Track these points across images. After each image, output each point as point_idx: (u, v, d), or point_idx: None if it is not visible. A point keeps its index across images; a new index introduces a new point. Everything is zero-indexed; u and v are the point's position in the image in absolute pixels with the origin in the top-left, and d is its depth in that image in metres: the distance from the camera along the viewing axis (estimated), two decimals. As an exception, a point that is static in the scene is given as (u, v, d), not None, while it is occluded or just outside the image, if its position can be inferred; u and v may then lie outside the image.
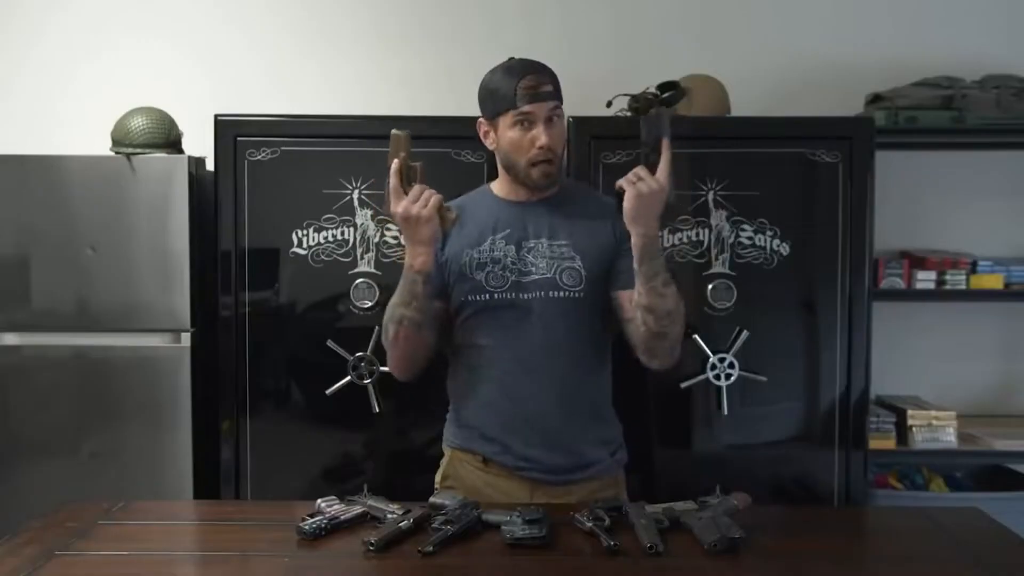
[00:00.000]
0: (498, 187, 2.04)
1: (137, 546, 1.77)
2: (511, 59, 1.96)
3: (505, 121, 1.91)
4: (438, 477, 2.09)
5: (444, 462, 2.09)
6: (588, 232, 1.96)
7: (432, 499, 1.87)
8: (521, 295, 1.92)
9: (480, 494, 1.94)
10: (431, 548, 1.66)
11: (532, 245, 1.94)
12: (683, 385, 2.64)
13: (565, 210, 1.98)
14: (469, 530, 1.74)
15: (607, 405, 2.05)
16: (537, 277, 1.92)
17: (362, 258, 2.68)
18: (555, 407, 1.94)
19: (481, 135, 2.00)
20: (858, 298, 2.68)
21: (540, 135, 1.89)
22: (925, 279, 3.04)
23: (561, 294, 1.92)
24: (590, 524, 1.72)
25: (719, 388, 2.64)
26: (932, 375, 3.26)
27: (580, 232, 1.96)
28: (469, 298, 1.95)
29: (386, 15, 3.29)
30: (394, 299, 1.94)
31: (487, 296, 1.94)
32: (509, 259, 1.93)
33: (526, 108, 1.88)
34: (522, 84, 1.88)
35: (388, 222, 2.67)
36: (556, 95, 1.92)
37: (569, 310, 1.93)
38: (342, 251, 2.68)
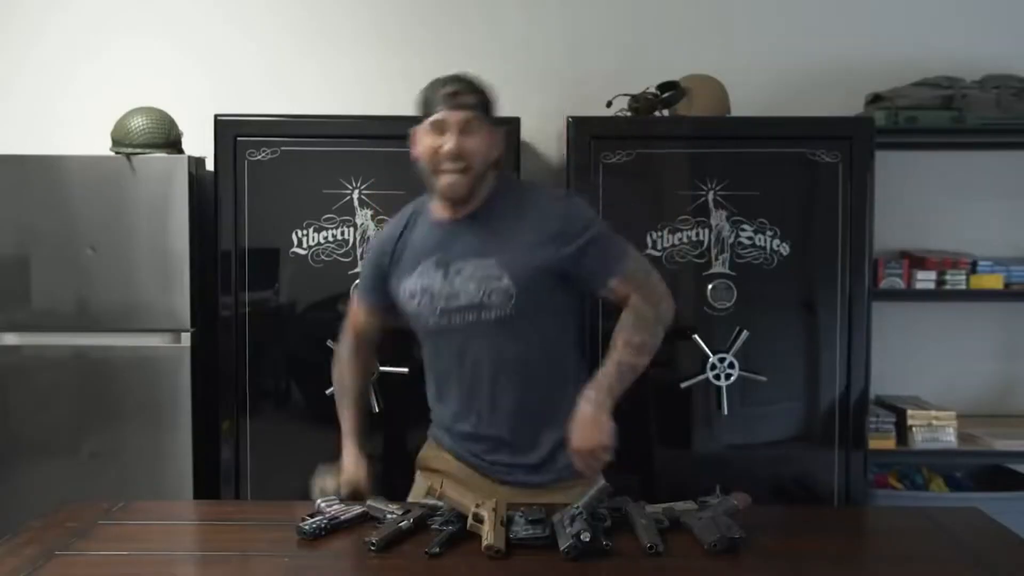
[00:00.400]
0: (433, 203, 1.98)
1: (137, 546, 1.77)
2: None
3: (422, 129, 1.89)
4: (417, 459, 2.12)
5: (424, 446, 2.12)
6: (520, 246, 1.88)
7: (425, 499, 1.88)
8: (453, 320, 1.91)
9: (457, 480, 1.96)
10: (437, 549, 1.66)
11: (460, 267, 1.89)
12: (683, 385, 2.64)
13: (495, 225, 1.91)
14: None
15: (565, 409, 1.94)
16: (464, 302, 1.88)
17: (362, 258, 2.68)
18: (504, 426, 1.94)
19: (412, 144, 1.94)
20: (858, 298, 2.68)
21: (447, 141, 1.84)
22: (925, 279, 3.04)
23: (491, 315, 1.87)
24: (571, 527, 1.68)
25: (719, 388, 2.64)
26: (932, 375, 3.26)
27: (510, 247, 1.88)
28: (411, 324, 2.00)
29: (386, 15, 3.29)
30: (336, 392, 2.19)
31: (423, 323, 1.95)
32: (437, 285, 1.91)
33: (439, 115, 1.85)
34: (441, 91, 1.87)
35: (388, 222, 2.66)
36: (476, 106, 1.87)
37: (499, 330, 1.89)
38: (342, 251, 2.68)
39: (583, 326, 2.46)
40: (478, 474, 1.98)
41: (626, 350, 1.87)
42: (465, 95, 1.87)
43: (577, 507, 1.69)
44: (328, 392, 2.64)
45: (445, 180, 1.86)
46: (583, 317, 2.48)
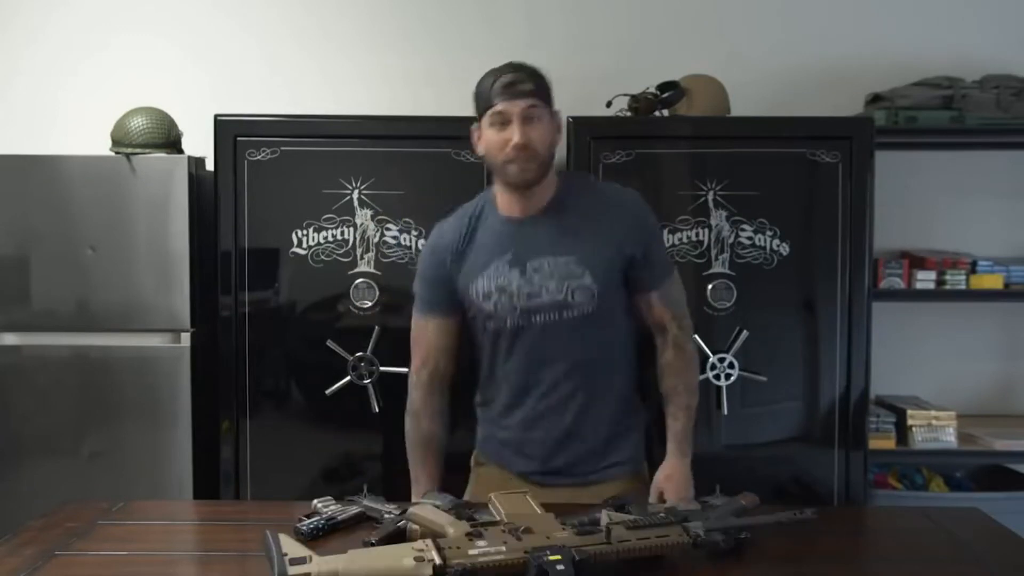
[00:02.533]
0: (500, 200, 1.96)
1: (137, 546, 1.77)
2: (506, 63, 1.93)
3: (484, 121, 1.88)
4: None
5: (472, 478, 2.10)
6: (596, 242, 1.90)
7: (423, 499, 1.87)
8: (533, 319, 1.89)
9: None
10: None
11: (537, 265, 1.88)
12: (683, 385, 2.64)
13: (568, 221, 1.91)
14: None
15: (629, 412, 2.03)
16: (546, 299, 1.88)
17: (362, 258, 2.68)
18: (571, 429, 1.95)
19: (473, 141, 1.95)
20: (858, 298, 2.68)
21: (513, 133, 1.83)
22: (925, 279, 3.04)
23: (574, 313, 1.88)
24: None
25: (719, 388, 2.64)
26: (932, 375, 3.26)
27: (587, 243, 1.90)
28: (484, 325, 1.95)
29: (387, 15, 3.29)
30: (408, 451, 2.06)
31: (501, 324, 1.92)
32: (514, 284, 1.88)
33: (499, 106, 1.84)
34: (498, 82, 1.85)
35: (388, 222, 2.67)
36: (536, 94, 1.85)
37: (581, 329, 1.90)
38: (342, 251, 2.68)
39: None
40: (523, 480, 1.98)
41: (689, 394, 1.99)
42: (523, 83, 1.84)
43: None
44: (328, 392, 2.65)
45: (514, 168, 1.86)
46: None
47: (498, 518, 1.61)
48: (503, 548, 1.48)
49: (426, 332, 2.01)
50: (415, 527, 1.66)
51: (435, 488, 1.98)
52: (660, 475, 1.96)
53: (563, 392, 1.93)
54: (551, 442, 1.96)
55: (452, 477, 2.09)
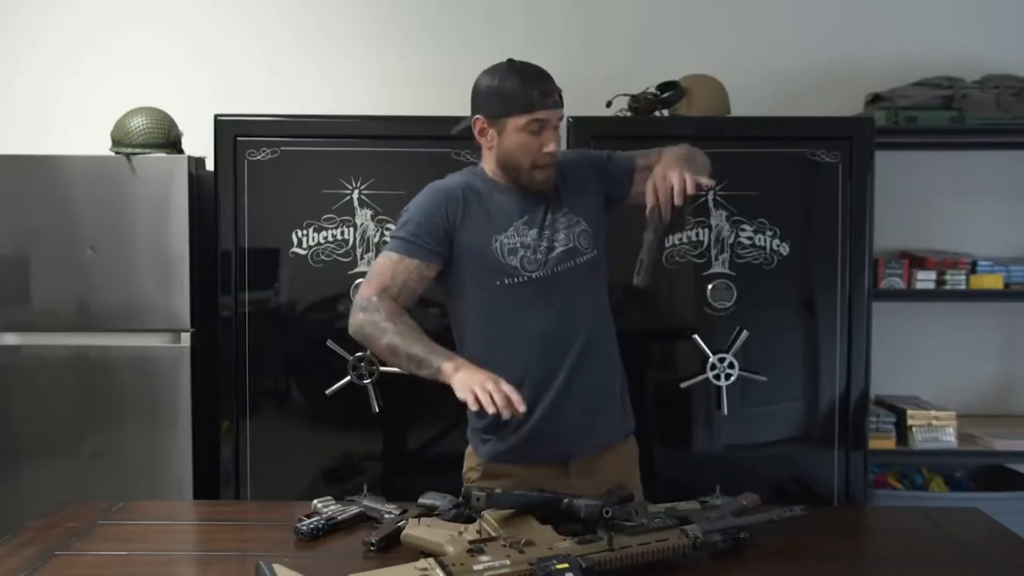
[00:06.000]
0: (499, 176, 2.01)
1: (137, 546, 1.77)
2: (511, 61, 1.96)
3: (515, 123, 1.92)
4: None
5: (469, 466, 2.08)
6: (578, 193, 2.03)
7: (422, 499, 1.86)
8: (553, 268, 1.98)
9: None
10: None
11: (549, 221, 1.99)
12: (683, 385, 2.64)
13: (560, 183, 2.03)
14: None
15: (619, 364, 2.10)
16: (561, 249, 1.97)
17: (362, 258, 2.68)
18: (576, 386, 1.97)
19: (476, 132, 1.98)
20: (858, 298, 2.68)
21: (549, 141, 1.93)
22: (925, 279, 3.04)
23: (583, 259, 1.99)
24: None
25: (719, 388, 2.64)
26: (932, 375, 3.26)
27: (573, 194, 2.03)
28: (503, 281, 1.95)
29: (387, 15, 3.30)
30: (396, 344, 1.85)
31: (524, 278, 1.96)
32: (532, 240, 1.97)
33: (542, 115, 1.91)
34: (541, 90, 1.92)
35: (388, 222, 2.67)
36: (563, 104, 1.97)
37: (588, 273, 2.00)
38: (342, 251, 2.68)
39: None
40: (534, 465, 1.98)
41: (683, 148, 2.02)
42: (558, 93, 1.95)
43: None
44: (328, 392, 2.65)
45: (542, 176, 1.96)
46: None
47: (495, 534, 1.61)
48: (507, 562, 1.49)
49: (398, 268, 1.93)
50: (412, 535, 1.67)
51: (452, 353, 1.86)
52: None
53: (579, 344, 1.97)
54: (582, 411, 1.98)
55: (449, 477, 2.09)
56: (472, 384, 1.72)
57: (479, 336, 2.00)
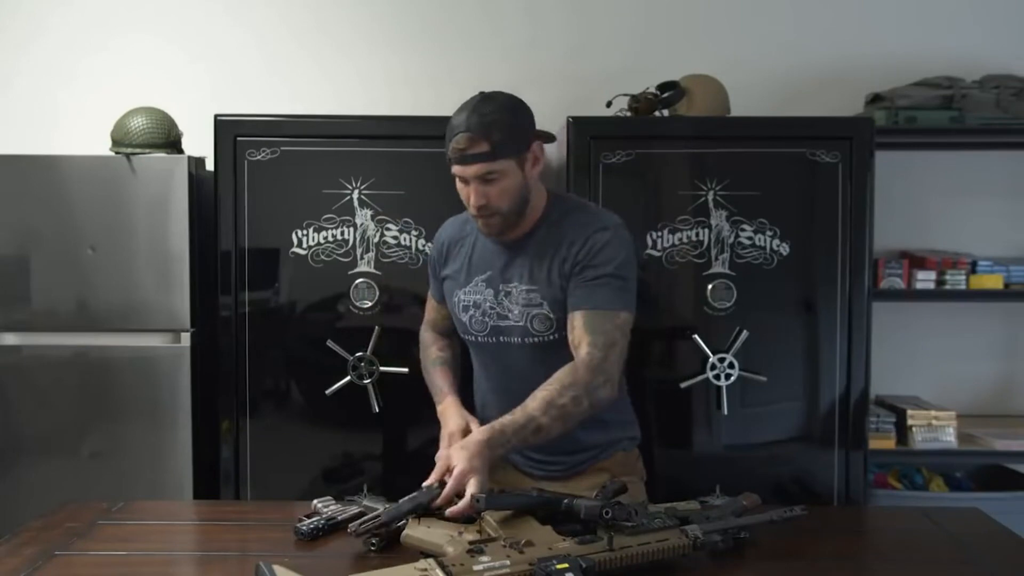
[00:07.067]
0: None
1: (137, 546, 1.77)
2: (480, 94, 1.88)
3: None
4: None
5: None
6: (554, 275, 1.89)
7: (419, 492, 1.84)
8: (501, 338, 1.96)
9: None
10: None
11: (508, 290, 1.93)
12: (683, 385, 2.64)
13: (539, 251, 1.92)
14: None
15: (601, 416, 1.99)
16: (512, 323, 1.93)
17: (362, 258, 2.68)
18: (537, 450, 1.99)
19: None
20: (858, 298, 2.68)
21: (471, 194, 1.86)
22: (925, 279, 3.04)
23: (535, 340, 1.92)
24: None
25: (719, 388, 2.64)
26: (932, 375, 3.27)
27: (548, 276, 1.90)
28: (461, 335, 2.06)
29: (387, 14, 3.30)
30: (426, 376, 2.13)
31: (472, 338, 2.01)
32: (487, 304, 1.95)
33: (455, 170, 1.87)
34: (452, 143, 1.84)
35: (388, 222, 2.67)
36: (489, 156, 1.80)
37: (544, 353, 1.92)
38: (342, 251, 2.68)
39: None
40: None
41: (544, 408, 1.77)
42: (476, 145, 1.80)
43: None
44: (328, 392, 2.65)
45: (481, 224, 1.92)
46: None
47: (495, 535, 1.61)
48: (507, 562, 1.49)
49: (431, 305, 2.19)
50: (411, 536, 1.66)
51: (453, 392, 2.03)
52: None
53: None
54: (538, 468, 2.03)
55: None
56: (440, 455, 1.80)
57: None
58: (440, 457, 1.78)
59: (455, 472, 1.68)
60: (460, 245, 2.04)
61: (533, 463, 2.02)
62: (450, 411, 1.97)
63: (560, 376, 1.81)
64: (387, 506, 1.74)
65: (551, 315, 1.90)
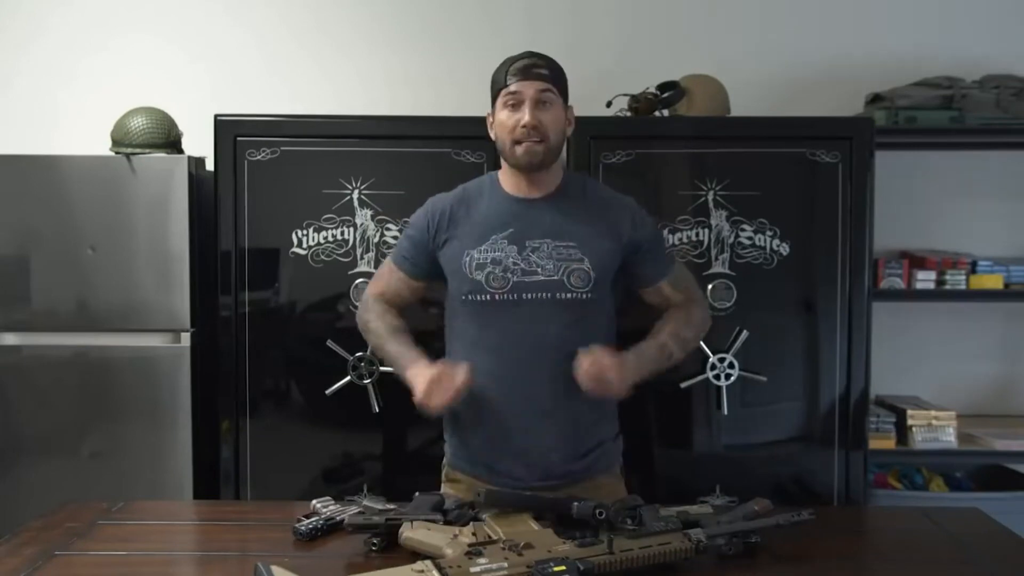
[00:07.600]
0: (505, 181, 1.99)
1: (137, 546, 1.78)
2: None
3: (499, 104, 1.92)
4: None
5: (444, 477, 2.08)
6: (594, 233, 1.93)
7: (418, 496, 1.85)
8: (524, 295, 1.90)
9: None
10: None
11: (536, 245, 1.91)
12: (683, 385, 2.64)
13: (570, 209, 1.95)
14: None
15: (610, 411, 2.04)
16: (543, 278, 1.90)
17: (362, 258, 2.68)
18: (550, 416, 1.91)
19: (488, 126, 2.00)
20: (858, 298, 2.68)
21: (524, 114, 1.87)
22: (925, 279, 3.04)
23: (569, 296, 1.90)
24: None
25: (719, 388, 2.64)
26: (932, 375, 3.26)
27: (586, 233, 1.93)
28: (468, 297, 1.93)
29: (387, 14, 3.30)
30: (380, 343, 2.03)
31: (487, 296, 1.91)
32: (511, 259, 1.90)
33: (513, 87, 1.88)
34: (518, 65, 1.90)
35: (388, 222, 2.67)
36: (549, 78, 1.90)
37: (575, 311, 1.91)
38: (342, 251, 2.68)
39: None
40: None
41: (672, 339, 1.97)
42: (538, 67, 1.90)
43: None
44: (328, 392, 2.65)
45: (522, 148, 1.89)
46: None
47: (495, 537, 1.61)
48: (505, 564, 1.49)
49: (392, 276, 2.07)
50: (411, 537, 1.66)
51: (419, 355, 1.92)
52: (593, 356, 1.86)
53: (546, 374, 1.90)
54: (547, 441, 1.92)
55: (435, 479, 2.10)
56: (418, 379, 1.83)
57: (453, 352, 2.00)
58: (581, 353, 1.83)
59: (606, 360, 1.82)
60: (466, 207, 1.98)
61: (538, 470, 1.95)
62: (428, 362, 1.88)
63: (675, 314, 2.02)
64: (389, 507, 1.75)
65: (592, 271, 1.91)
